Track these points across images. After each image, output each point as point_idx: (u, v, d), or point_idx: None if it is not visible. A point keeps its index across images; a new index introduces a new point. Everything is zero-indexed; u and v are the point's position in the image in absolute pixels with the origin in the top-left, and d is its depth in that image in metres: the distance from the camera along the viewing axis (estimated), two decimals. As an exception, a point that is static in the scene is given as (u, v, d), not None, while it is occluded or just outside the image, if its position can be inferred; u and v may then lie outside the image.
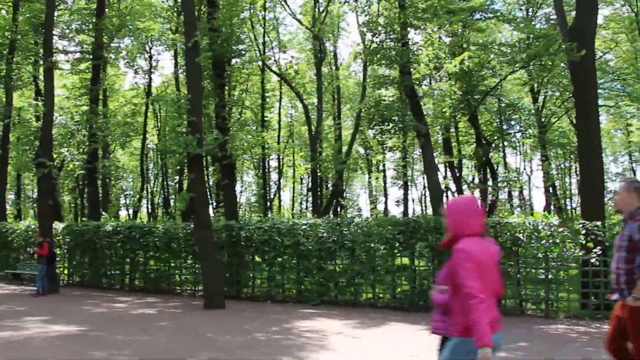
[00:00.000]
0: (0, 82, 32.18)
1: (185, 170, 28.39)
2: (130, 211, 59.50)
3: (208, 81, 25.56)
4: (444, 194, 26.59)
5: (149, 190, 57.28)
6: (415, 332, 12.81)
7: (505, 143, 36.96)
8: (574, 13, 20.02)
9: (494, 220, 15.97)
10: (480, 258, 4.79)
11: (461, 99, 26.94)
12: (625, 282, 6.12)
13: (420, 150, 25.04)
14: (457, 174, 35.36)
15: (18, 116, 40.97)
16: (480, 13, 26.00)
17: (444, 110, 28.27)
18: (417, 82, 23.09)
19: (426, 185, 38.07)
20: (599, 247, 14.47)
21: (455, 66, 22.62)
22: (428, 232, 16.24)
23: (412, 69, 21.60)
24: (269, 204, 49.08)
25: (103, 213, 29.32)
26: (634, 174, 53.58)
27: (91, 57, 32.08)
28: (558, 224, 15.13)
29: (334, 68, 44.73)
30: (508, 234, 15.27)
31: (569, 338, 12.08)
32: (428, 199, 54.98)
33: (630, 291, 6.07)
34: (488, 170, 33.37)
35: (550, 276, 14.97)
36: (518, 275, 15.37)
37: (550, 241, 14.89)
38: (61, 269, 24.57)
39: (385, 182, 59.70)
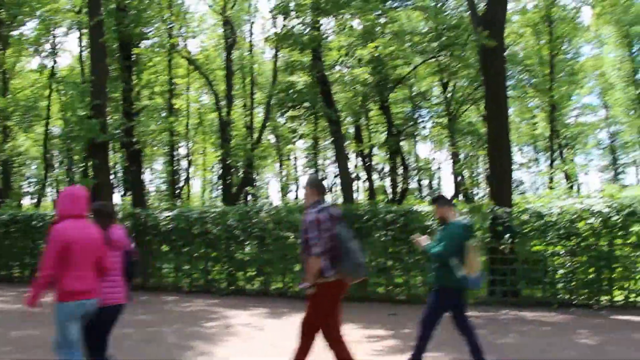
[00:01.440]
0: None
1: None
2: (34, 199, 57.79)
3: (114, 67, 24.89)
4: (355, 182, 26.72)
5: (54, 177, 55.78)
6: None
7: (416, 132, 37.32)
8: (482, 4, 20.19)
9: (404, 208, 16.00)
10: (72, 237, 6.20)
11: (373, 87, 26.94)
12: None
13: (332, 138, 24.99)
14: (368, 163, 35.49)
15: None
16: (395, 1, 26.12)
17: (355, 98, 28.26)
18: (329, 69, 22.92)
19: (337, 173, 38.16)
20: (507, 234, 14.65)
21: (368, 53, 22.57)
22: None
23: (323, 55, 21.44)
24: (178, 191, 48.45)
25: (5, 201, 28.32)
26: (538, 164, 54.96)
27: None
28: (467, 211, 15.25)
29: (246, 54, 44.30)
30: (418, 221, 15.28)
31: (478, 325, 12.14)
32: (339, 187, 55.46)
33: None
34: (398, 158, 33.60)
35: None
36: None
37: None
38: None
39: (296, 171, 59.72)
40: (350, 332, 11.29)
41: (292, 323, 12.45)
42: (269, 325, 12.24)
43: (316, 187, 7.31)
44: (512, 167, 18.16)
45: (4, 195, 35.85)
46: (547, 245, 14.68)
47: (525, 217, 14.90)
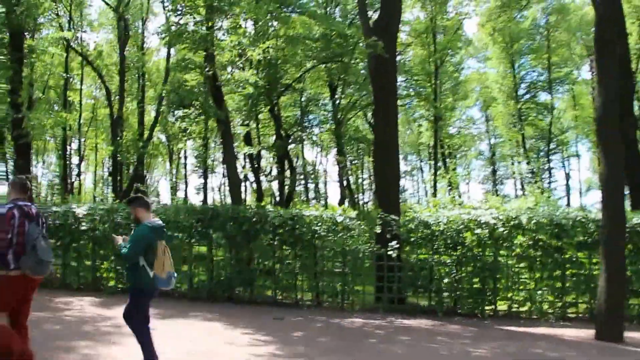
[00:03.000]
0: None
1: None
2: None
3: (4, 57, 24.13)
4: (243, 184, 26.70)
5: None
6: (209, 325, 12.67)
7: (304, 136, 37.57)
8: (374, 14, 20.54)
9: (292, 212, 16.09)
10: None
11: (263, 90, 27.01)
12: None
13: (221, 139, 24.88)
14: (257, 165, 35.51)
15: None
16: (289, 7, 26.29)
17: (245, 99, 28.29)
18: (221, 68, 22.80)
19: (226, 174, 37.98)
20: (395, 241, 14.92)
21: (258, 54, 22.60)
22: (226, 221, 16.05)
23: (216, 54, 21.31)
24: (70, 187, 47.39)
25: None
26: (422, 173, 56.16)
27: None
28: (355, 216, 15.50)
29: (139, 51, 43.71)
30: (306, 226, 15.43)
31: (366, 332, 12.37)
32: (227, 188, 55.20)
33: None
34: (286, 162, 33.78)
35: (346, 269, 15.32)
36: (316, 268, 15.63)
37: (347, 234, 15.24)
38: None
39: (185, 170, 59.21)
40: (236, 335, 11.35)
41: (179, 325, 12.50)
42: (156, 327, 12.09)
43: (17, 186, 7.56)
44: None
45: None
46: (433, 254, 15.04)
47: (412, 225, 15.26)
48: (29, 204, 7.44)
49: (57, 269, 17.95)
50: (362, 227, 15.39)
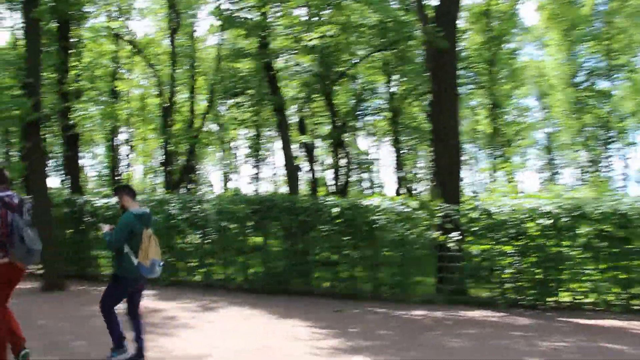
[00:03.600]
0: None
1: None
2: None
3: (51, 49, 24.07)
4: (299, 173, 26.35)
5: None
6: (267, 318, 12.30)
7: (359, 125, 37.14)
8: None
9: (350, 201, 15.67)
10: None
11: (317, 77, 26.60)
12: None
13: (275, 128, 24.62)
14: (311, 154, 35.16)
15: None
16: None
17: (300, 87, 27.89)
18: (275, 55, 22.45)
19: (279, 163, 37.87)
20: (456, 231, 14.42)
21: (314, 40, 22.17)
22: (282, 211, 15.69)
23: (270, 42, 20.96)
24: (119, 178, 47.62)
25: None
26: (477, 162, 55.34)
27: None
28: (417, 206, 15.00)
29: (191, 40, 43.56)
30: (365, 216, 14.97)
31: (428, 325, 11.93)
32: (281, 177, 54.98)
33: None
34: (341, 151, 33.39)
35: (406, 260, 14.86)
36: (374, 259, 15.19)
37: (407, 224, 14.77)
38: None
39: (237, 160, 59.13)
40: (295, 328, 11.01)
41: (234, 318, 12.17)
42: (212, 320, 11.84)
43: None
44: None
45: None
46: (495, 244, 14.47)
47: (474, 214, 14.69)
48: (11, 194, 7.54)
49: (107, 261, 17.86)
50: (422, 216, 14.87)
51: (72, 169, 25.88)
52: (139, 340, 8.21)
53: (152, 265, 7.99)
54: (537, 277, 14.07)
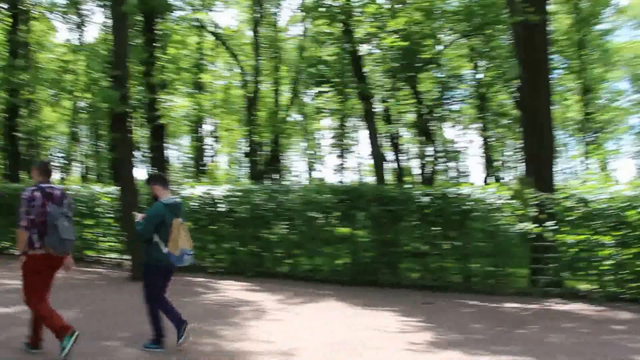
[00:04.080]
0: None
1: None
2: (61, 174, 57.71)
3: (139, 40, 24.24)
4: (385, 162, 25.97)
5: (80, 152, 55.79)
6: (354, 310, 11.97)
7: (444, 113, 36.58)
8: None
9: (441, 191, 15.18)
10: None
11: (402, 64, 26.16)
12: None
13: (360, 117, 24.33)
14: (396, 143, 34.78)
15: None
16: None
17: (385, 73, 27.45)
18: (360, 42, 22.10)
19: (363, 153, 37.61)
20: (551, 221, 13.83)
21: (398, 26, 21.74)
22: (370, 201, 15.32)
23: (354, 28, 20.61)
24: (204, 169, 48.08)
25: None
26: (567, 150, 53.91)
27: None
28: (509, 195, 14.45)
29: (274, 30, 43.57)
30: (455, 205, 14.49)
31: (523, 319, 11.44)
32: (366, 167, 54.68)
33: None
34: (427, 140, 32.94)
35: (498, 251, 14.33)
36: (465, 250, 14.71)
37: (499, 213, 14.25)
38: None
39: (322, 150, 59.07)
40: (385, 321, 10.70)
41: (322, 310, 11.90)
42: (299, 312, 11.59)
43: (40, 169, 8.04)
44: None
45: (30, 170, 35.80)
46: (592, 235, 13.79)
47: (569, 203, 14.05)
48: (53, 185, 7.97)
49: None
50: (515, 206, 14.31)
51: (158, 160, 26.03)
52: (173, 322, 8.36)
53: (182, 255, 8.12)
54: (638, 269, 13.35)
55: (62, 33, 50.84)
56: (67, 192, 8.16)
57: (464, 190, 14.84)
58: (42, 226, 7.55)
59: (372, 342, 9.10)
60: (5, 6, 30.85)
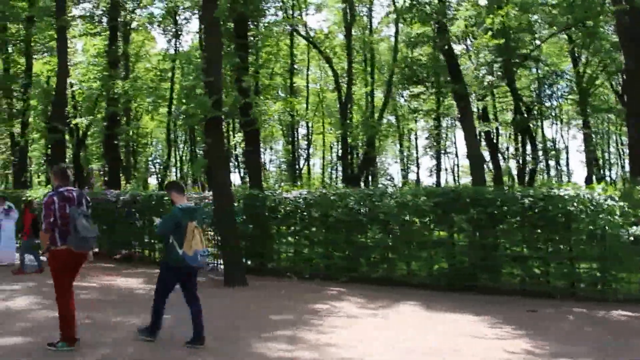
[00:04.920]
0: (19, 47, 32.54)
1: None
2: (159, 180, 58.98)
3: (229, 48, 24.27)
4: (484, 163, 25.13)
5: (177, 158, 56.85)
6: (454, 317, 11.42)
7: (545, 110, 35.60)
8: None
9: (544, 192, 14.41)
10: None
11: (500, 61, 25.43)
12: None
13: (455, 117, 23.74)
14: (494, 143, 33.94)
15: (46, 83, 40.25)
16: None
17: (481, 72, 26.65)
18: (455, 41, 21.52)
19: (459, 153, 36.82)
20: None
21: (493, 22, 21.05)
22: (469, 203, 14.73)
23: (449, 26, 20.04)
24: (298, 173, 48.15)
25: (130, 181, 28.86)
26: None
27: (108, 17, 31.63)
28: (619, 196, 13.63)
29: (367, 32, 43.23)
30: (560, 207, 13.73)
31: (637, 328, 10.68)
32: (461, 168, 53.83)
33: None
34: (526, 139, 32.08)
35: (607, 255, 13.51)
36: (570, 254, 13.95)
37: (608, 216, 13.43)
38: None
39: (417, 151, 58.48)
40: (483, 328, 10.22)
41: (419, 317, 11.46)
42: (396, 318, 11.12)
43: (58, 174, 8.74)
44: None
45: (129, 176, 36.75)
46: None
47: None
48: (71, 188, 8.67)
49: (288, 256, 17.65)
50: (625, 207, 13.47)
51: (252, 165, 26.01)
52: (196, 324, 8.80)
53: (195, 255, 8.65)
54: None
55: (159, 43, 51.91)
56: (83, 193, 8.94)
57: (568, 190, 14.05)
58: (63, 226, 8.30)
59: (472, 351, 8.62)
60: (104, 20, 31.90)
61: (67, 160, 24.06)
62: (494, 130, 34.59)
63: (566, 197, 13.64)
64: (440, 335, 9.66)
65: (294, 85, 40.42)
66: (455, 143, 54.01)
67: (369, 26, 44.01)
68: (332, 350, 8.60)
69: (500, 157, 36.08)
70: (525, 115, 29.63)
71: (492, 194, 14.55)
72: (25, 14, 30.96)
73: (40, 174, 59.86)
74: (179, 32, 44.19)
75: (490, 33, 21.91)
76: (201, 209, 9.96)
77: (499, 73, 26.47)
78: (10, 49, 36.63)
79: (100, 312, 11.10)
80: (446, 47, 19.69)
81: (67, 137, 22.02)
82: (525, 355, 8.45)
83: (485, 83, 27.30)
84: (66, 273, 8.54)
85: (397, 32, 33.95)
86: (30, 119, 37.02)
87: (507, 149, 42.65)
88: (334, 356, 8.31)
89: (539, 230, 14.19)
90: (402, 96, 47.78)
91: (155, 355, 8.33)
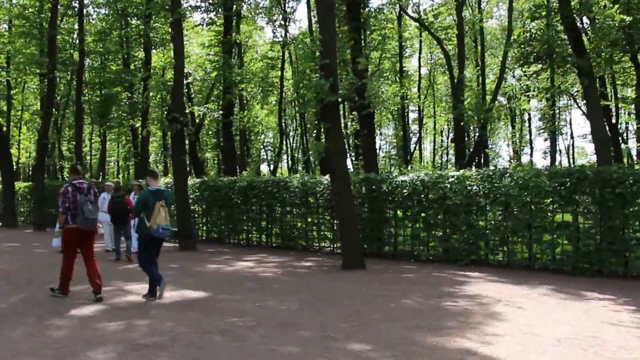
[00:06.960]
0: (139, 41, 33.81)
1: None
2: (272, 166, 59.58)
3: (344, 28, 24.09)
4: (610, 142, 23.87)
5: (289, 145, 57.25)
6: (583, 302, 10.82)
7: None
8: None
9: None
10: None
11: (626, 33, 24.04)
12: None
13: (572, 95, 22.81)
14: (613, 121, 32.64)
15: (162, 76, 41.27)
16: None
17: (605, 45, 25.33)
18: (578, 13, 20.58)
19: (572, 134, 35.49)
20: None
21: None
22: (595, 184, 14.07)
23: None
24: (409, 156, 47.70)
25: (246, 168, 29.34)
26: None
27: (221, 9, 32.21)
28: None
29: (476, 11, 42.37)
30: None
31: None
32: (576, 149, 52.22)
33: None
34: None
35: None
36: None
37: None
38: (200, 225, 24.43)
39: (530, 133, 57.16)
40: (617, 316, 9.66)
41: (549, 302, 10.89)
42: (525, 304, 10.58)
43: (72, 170, 11.49)
44: None
45: (242, 164, 37.30)
46: None
47: None
48: (82, 181, 11.24)
49: (405, 240, 17.32)
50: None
51: (367, 149, 25.79)
52: (152, 281, 11.09)
53: (158, 228, 10.79)
54: None
55: (268, 34, 52.53)
56: (92, 184, 11.52)
57: None
58: (74, 210, 10.85)
59: (611, 339, 8.07)
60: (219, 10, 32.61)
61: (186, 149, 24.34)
62: (613, 108, 33.27)
63: None
64: (575, 322, 9.13)
65: (405, 68, 39.94)
66: (570, 123, 52.38)
67: (478, 6, 43.20)
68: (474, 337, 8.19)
69: (622, 137, 34.77)
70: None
71: (621, 174, 13.80)
72: (143, 11, 32.09)
73: (158, 164, 61.52)
74: (287, 21, 44.36)
75: (616, 6, 20.87)
76: (169, 192, 12.08)
77: (625, 49, 25.13)
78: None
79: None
80: (569, 19, 18.87)
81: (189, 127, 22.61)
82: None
83: (610, 60, 25.90)
84: (72, 244, 11.08)
85: (510, 8, 33.05)
86: (150, 111, 38.30)
87: (627, 127, 41.14)
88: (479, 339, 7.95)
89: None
90: (514, 76, 46.74)
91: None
